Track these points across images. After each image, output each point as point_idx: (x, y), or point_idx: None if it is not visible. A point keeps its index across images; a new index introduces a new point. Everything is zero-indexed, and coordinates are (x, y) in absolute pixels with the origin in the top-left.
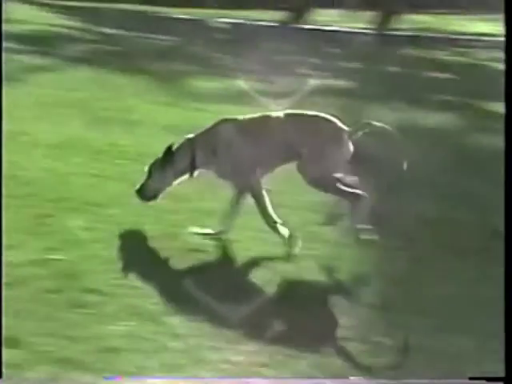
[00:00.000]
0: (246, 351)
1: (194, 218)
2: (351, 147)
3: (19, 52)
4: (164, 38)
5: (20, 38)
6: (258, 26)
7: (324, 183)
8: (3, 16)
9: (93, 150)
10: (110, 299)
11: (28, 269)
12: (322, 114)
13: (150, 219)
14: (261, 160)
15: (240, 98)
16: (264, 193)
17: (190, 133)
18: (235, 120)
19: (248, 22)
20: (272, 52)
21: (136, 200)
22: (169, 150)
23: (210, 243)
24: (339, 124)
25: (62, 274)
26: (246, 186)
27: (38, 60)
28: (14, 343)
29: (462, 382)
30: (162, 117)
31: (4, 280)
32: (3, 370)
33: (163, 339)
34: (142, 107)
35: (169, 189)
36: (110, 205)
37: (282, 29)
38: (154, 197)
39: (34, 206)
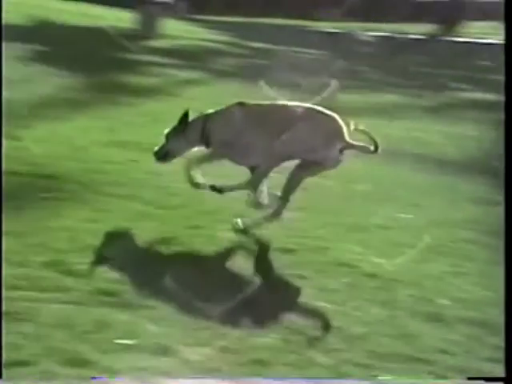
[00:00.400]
0: None
1: (340, 233)
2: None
3: (172, 66)
4: (311, 51)
5: (173, 53)
6: (406, 39)
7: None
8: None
9: None
10: None
11: None
12: (336, 117)
13: (297, 232)
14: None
15: (387, 111)
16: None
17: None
18: (249, 106)
19: (396, 35)
20: (420, 65)
21: (288, 214)
22: (183, 118)
23: (357, 258)
24: (346, 130)
25: None
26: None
27: (189, 74)
28: (164, 351)
29: (462, 382)
30: None
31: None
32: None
33: (311, 353)
34: None
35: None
36: None
37: (430, 42)
38: (168, 159)
39: (184, 218)
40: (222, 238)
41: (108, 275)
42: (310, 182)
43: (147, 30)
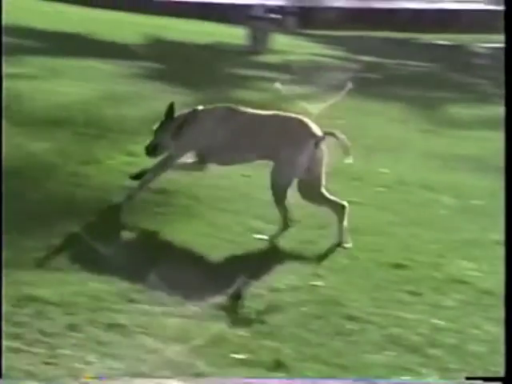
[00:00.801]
0: None
1: (454, 249)
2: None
3: (282, 81)
4: (422, 64)
5: (283, 68)
6: None
7: (279, 195)
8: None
9: (351, 178)
10: (372, 328)
11: (292, 294)
12: (300, 117)
13: (415, 248)
14: (234, 148)
15: (501, 124)
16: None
17: (452, 161)
18: (235, 110)
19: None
20: None
21: (398, 228)
22: (169, 113)
23: (472, 274)
24: (313, 129)
25: (324, 300)
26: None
27: (299, 89)
28: (277, 366)
29: (460, 382)
30: (421, 144)
31: (268, 304)
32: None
33: (426, 372)
34: (401, 134)
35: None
36: (370, 232)
37: None
38: (157, 154)
39: (297, 232)
40: (335, 253)
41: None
42: (424, 197)
43: (257, 46)
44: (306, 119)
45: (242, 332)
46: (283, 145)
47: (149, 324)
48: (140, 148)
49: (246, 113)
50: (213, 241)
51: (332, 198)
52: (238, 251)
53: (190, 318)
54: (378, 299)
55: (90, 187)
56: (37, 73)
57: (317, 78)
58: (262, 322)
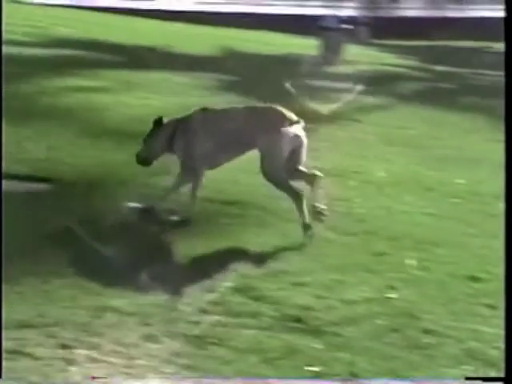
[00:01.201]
0: None
1: None
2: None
3: (353, 92)
4: (497, 73)
5: (356, 78)
6: None
7: (277, 180)
8: None
9: (425, 188)
10: (448, 341)
11: (365, 306)
12: (273, 106)
13: (491, 260)
14: (221, 148)
15: None
16: (201, 182)
17: None
18: (209, 110)
19: None
20: None
21: (473, 240)
22: (156, 123)
23: None
24: (288, 114)
25: (398, 313)
26: (191, 173)
27: (372, 99)
28: (352, 379)
29: (460, 382)
30: (497, 154)
31: (340, 316)
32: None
33: None
34: (477, 145)
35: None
36: (445, 244)
37: None
38: (146, 163)
39: (370, 244)
40: (409, 266)
41: (296, 301)
42: (499, 208)
43: (330, 57)
44: (279, 107)
45: (315, 344)
46: (264, 133)
47: (223, 335)
48: None
49: (221, 111)
50: (285, 252)
51: (305, 170)
52: (310, 262)
53: (264, 330)
54: (454, 312)
55: (162, 198)
56: (113, 86)
57: (390, 88)
58: (336, 335)
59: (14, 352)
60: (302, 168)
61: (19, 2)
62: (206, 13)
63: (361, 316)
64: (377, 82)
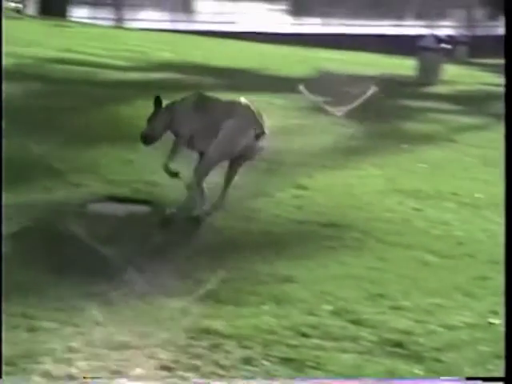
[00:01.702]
0: None
1: None
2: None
3: (452, 112)
4: None
5: (453, 98)
6: None
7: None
8: None
9: None
10: None
11: (467, 332)
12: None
13: None
14: (205, 133)
15: None
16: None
17: None
18: (203, 96)
19: None
20: None
21: None
22: (156, 104)
23: None
24: (258, 119)
25: (502, 339)
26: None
27: (470, 119)
28: None
29: (459, 381)
30: None
31: (441, 342)
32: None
33: None
34: None
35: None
36: None
37: None
38: (148, 142)
39: (470, 267)
40: None
41: (395, 325)
42: None
43: (428, 77)
44: (254, 108)
45: (416, 369)
46: (228, 121)
47: (321, 359)
48: (310, 182)
49: (213, 100)
50: (384, 275)
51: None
52: (411, 286)
53: (363, 354)
54: None
55: (260, 220)
56: None
57: (487, 107)
58: (437, 360)
59: (116, 372)
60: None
61: (119, 28)
62: (302, 34)
63: (463, 342)
64: (475, 102)
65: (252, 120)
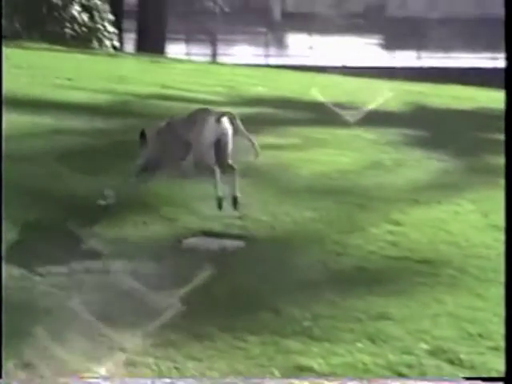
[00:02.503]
0: None
1: None
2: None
3: None
4: None
5: None
6: None
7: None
8: None
9: None
10: None
11: None
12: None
13: None
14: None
15: None
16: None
17: None
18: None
19: None
20: None
21: None
22: (142, 135)
23: None
24: (213, 111)
25: None
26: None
27: None
28: None
29: (458, 381)
30: None
31: None
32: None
33: None
34: None
35: None
36: None
37: None
38: (139, 175)
39: None
40: None
41: (494, 366)
42: None
43: None
44: (207, 107)
45: None
46: (193, 126)
47: None
48: (404, 217)
49: (175, 121)
50: (483, 314)
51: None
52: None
53: None
54: None
55: (354, 256)
56: (302, 143)
57: None
58: None
59: None
60: (230, 162)
61: (214, 63)
62: (394, 68)
63: None
64: None
65: (207, 113)
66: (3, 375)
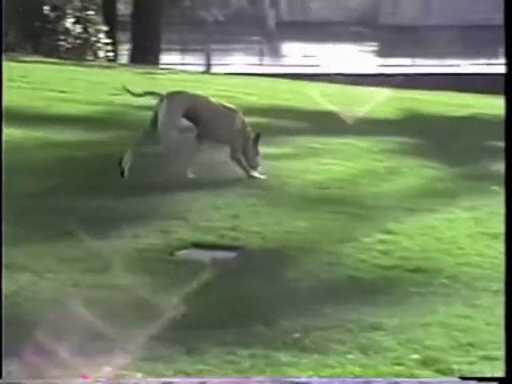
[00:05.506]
0: None
1: None
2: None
3: None
4: None
5: None
6: None
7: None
8: None
9: None
10: None
11: None
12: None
13: None
14: None
15: None
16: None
17: None
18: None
19: None
20: None
21: None
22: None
23: None
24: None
25: None
26: None
27: None
28: None
29: (454, 382)
30: None
31: None
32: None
33: None
34: None
35: None
36: None
37: None
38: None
39: None
40: None
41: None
42: None
43: None
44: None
45: None
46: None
47: None
48: (397, 226)
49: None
50: (473, 323)
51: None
52: (501, 335)
53: None
54: None
55: (346, 265)
56: (297, 152)
57: None
58: None
59: None
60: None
61: (208, 73)
62: (389, 75)
63: None
64: None
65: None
66: (3, 375)
